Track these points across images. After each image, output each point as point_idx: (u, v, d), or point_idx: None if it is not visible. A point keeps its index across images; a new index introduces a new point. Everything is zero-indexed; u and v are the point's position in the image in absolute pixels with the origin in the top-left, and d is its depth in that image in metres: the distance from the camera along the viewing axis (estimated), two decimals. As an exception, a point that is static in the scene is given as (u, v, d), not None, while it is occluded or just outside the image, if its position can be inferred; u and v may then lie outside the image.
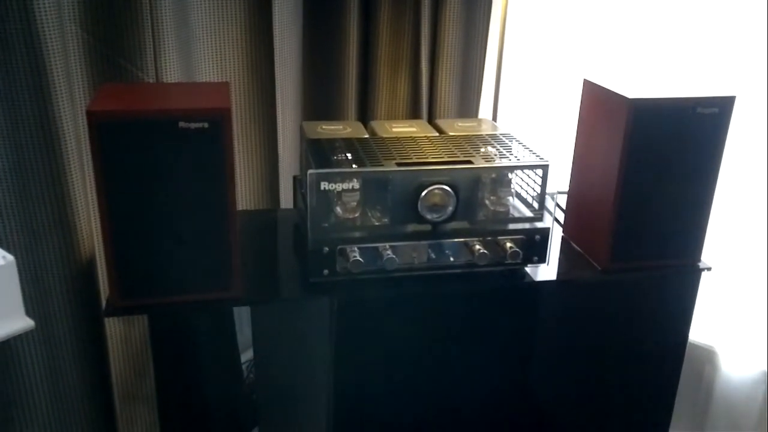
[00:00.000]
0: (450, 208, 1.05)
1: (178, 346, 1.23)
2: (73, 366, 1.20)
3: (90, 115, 0.89)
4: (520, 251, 1.07)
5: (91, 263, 1.20)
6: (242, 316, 1.49)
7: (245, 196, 1.54)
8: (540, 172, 1.07)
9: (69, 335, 1.18)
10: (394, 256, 1.03)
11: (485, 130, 1.27)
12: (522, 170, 1.09)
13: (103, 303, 1.07)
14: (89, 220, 1.18)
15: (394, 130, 1.24)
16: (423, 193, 1.03)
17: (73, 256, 1.14)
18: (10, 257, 0.88)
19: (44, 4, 1.01)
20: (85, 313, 1.19)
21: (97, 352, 1.24)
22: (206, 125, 0.92)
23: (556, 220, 1.31)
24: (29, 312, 1.03)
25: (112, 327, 1.32)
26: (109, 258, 0.96)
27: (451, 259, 1.08)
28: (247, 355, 1.56)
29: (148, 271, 0.98)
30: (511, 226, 1.09)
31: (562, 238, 1.28)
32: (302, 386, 1.31)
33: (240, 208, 1.46)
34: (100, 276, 1.22)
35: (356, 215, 1.05)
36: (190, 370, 1.28)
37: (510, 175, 1.09)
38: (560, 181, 1.27)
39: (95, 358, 1.24)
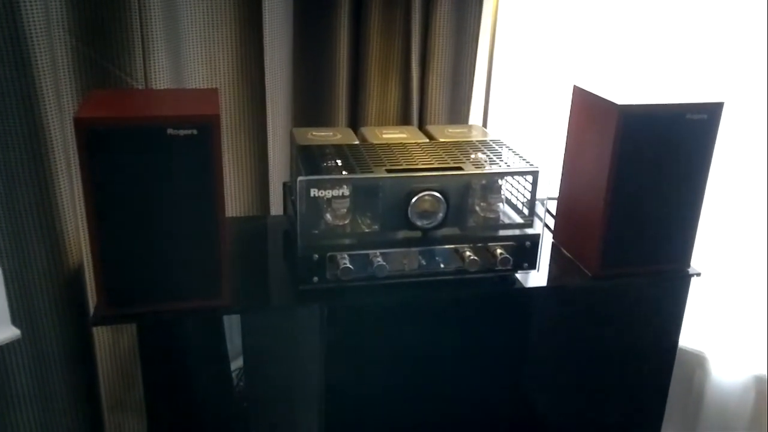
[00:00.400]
0: (440, 215, 1.05)
1: (167, 354, 1.22)
2: (61, 374, 1.19)
3: (77, 121, 0.88)
4: (510, 258, 1.07)
5: (79, 271, 1.19)
6: (232, 323, 1.48)
7: (235, 202, 1.54)
8: (530, 178, 1.07)
9: (56, 344, 1.16)
10: (384, 263, 1.03)
11: (475, 136, 1.27)
12: (512, 176, 1.09)
13: (91, 311, 1.06)
14: (77, 228, 1.17)
15: (385, 136, 1.24)
16: (413, 200, 1.03)
17: (61, 265, 1.13)
18: (-4, 266, 0.87)
19: (32, 8, 1.01)
20: (73, 322, 1.17)
21: (84, 360, 1.23)
22: (195, 132, 0.91)
23: (547, 226, 1.31)
24: (15, 321, 1.02)
25: (100, 335, 1.31)
26: (97, 266, 0.95)
27: (442, 265, 1.08)
28: (236, 364, 1.55)
29: (136, 279, 0.97)
30: (502, 233, 1.09)
31: (552, 244, 1.28)
32: (293, 394, 1.30)
33: (229, 215, 1.46)
34: (88, 284, 1.21)
35: (346, 222, 1.04)
36: (179, 378, 1.27)
37: (500, 182, 1.09)
38: (550, 187, 1.27)
39: (83, 367, 1.22)
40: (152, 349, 1.16)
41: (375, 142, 1.21)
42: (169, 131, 0.90)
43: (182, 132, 0.91)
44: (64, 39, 1.16)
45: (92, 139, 0.89)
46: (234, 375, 1.54)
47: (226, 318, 1.39)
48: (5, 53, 1.01)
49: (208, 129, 0.92)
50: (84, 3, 1.16)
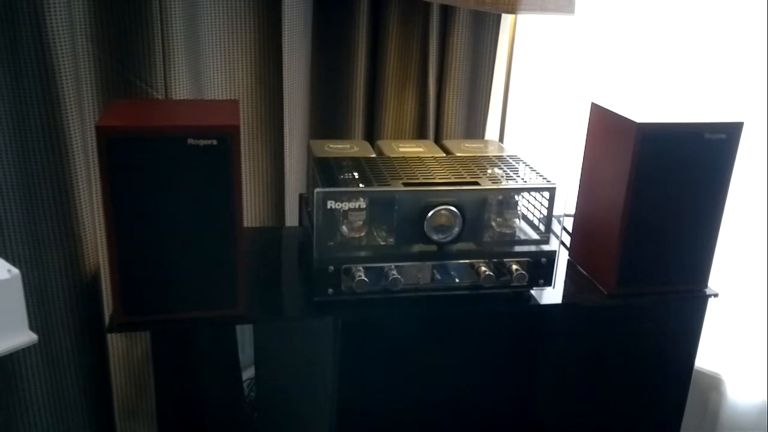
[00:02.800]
0: (456, 229, 1.05)
1: (180, 362, 1.22)
2: (75, 380, 1.19)
3: (99, 130, 0.89)
4: (525, 274, 1.07)
5: (96, 278, 1.20)
6: (244, 333, 1.49)
7: (251, 212, 1.54)
8: (547, 194, 1.07)
9: (71, 350, 1.17)
10: (399, 277, 1.03)
11: (492, 151, 1.27)
12: (529, 192, 1.09)
13: (107, 318, 1.07)
14: (95, 235, 1.18)
15: (401, 149, 1.24)
16: (429, 214, 1.03)
17: (78, 271, 1.14)
18: (16, 271, 0.88)
19: (56, 19, 1.02)
20: (88, 328, 1.18)
21: (98, 367, 1.23)
22: (215, 142, 0.92)
23: (563, 243, 1.31)
24: (32, 326, 1.02)
25: (115, 342, 1.32)
26: (114, 273, 0.96)
27: (457, 280, 1.08)
28: (248, 373, 1.55)
29: (152, 287, 0.98)
30: (517, 249, 1.09)
31: (568, 261, 1.27)
32: (304, 405, 1.30)
33: (245, 225, 1.46)
34: (104, 291, 1.21)
35: (362, 234, 1.05)
36: (191, 387, 1.27)
37: (517, 197, 1.08)
38: (567, 203, 1.26)
39: (97, 373, 1.23)
40: (165, 358, 1.16)
41: (392, 155, 1.21)
42: (190, 141, 0.91)
43: (202, 142, 0.91)
44: (88, 49, 1.17)
45: (113, 147, 0.90)
46: (245, 385, 1.54)
47: (238, 327, 1.39)
48: (29, 62, 1.02)
49: (228, 140, 0.92)
50: (107, 14, 1.18)
